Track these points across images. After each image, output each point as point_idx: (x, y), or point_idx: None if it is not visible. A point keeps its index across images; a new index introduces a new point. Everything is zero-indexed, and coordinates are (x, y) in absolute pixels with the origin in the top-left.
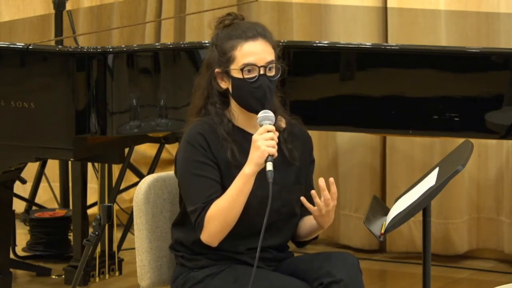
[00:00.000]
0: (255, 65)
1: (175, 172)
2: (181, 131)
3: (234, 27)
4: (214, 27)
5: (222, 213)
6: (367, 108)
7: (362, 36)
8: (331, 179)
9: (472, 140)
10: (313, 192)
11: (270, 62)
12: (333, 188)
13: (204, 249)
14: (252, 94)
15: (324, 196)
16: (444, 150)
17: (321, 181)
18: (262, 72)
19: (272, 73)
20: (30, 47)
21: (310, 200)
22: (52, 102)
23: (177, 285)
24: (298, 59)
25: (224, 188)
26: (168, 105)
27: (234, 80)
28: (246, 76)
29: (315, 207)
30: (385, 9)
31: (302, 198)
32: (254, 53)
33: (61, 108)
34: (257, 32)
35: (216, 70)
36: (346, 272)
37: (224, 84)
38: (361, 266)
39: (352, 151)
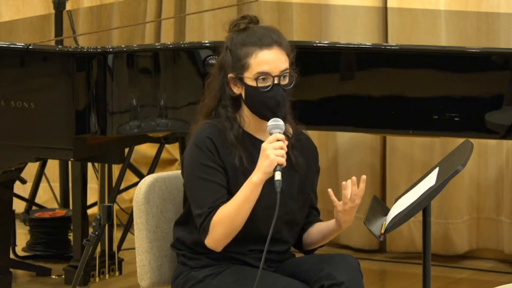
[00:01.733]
0: (269, 74)
1: (182, 173)
2: (189, 131)
3: (250, 33)
4: (228, 30)
5: (228, 219)
6: (367, 108)
7: (362, 36)
8: (364, 177)
9: (472, 140)
10: (329, 190)
11: (284, 71)
12: (362, 185)
13: (205, 249)
14: (265, 103)
15: (353, 191)
16: (444, 150)
17: (354, 178)
18: (276, 81)
19: (286, 81)
20: (30, 47)
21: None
22: (52, 102)
23: (177, 284)
24: (298, 59)
25: (230, 192)
26: (168, 105)
27: (248, 88)
28: (260, 85)
29: (340, 202)
30: (385, 9)
31: (329, 190)
32: (269, 62)
33: (61, 108)
34: (272, 39)
35: (230, 75)
36: (347, 275)
37: (237, 90)
38: (361, 267)
39: (352, 151)
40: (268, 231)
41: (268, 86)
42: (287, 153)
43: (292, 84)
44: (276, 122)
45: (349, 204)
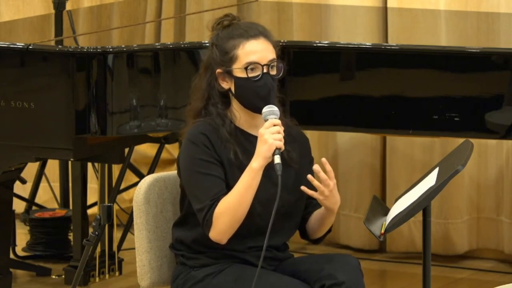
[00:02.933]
0: (258, 63)
1: (178, 173)
2: (181, 132)
3: (235, 27)
4: (212, 29)
5: (231, 210)
6: (367, 108)
7: (362, 36)
8: (323, 159)
9: (472, 140)
10: (309, 176)
11: (272, 61)
12: (328, 167)
13: (204, 248)
14: (256, 93)
15: (321, 177)
16: (444, 150)
17: (316, 166)
18: (265, 70)
19: (274, 71)
20: (30, 47)
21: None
22: (52, 102)
23: (177, 285)
24: (298, 59)
25: (227, 187)
26: (168, 105)
27: (237, 80)
28: (250, 75)
29: (317, 192)
30: (385, 9)
31: (303, 187)
32: (256, 52)
33: (61, 108)
34: (258, 31)
35: (218, 70)
36: (348, 275)
37: (226, 85)
38: (361, 267)
39: (352, 151)
40: (267, 226)
41: (258, 75)
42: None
43: (281, 74)
44: (271, 109)
45: (325, 190)
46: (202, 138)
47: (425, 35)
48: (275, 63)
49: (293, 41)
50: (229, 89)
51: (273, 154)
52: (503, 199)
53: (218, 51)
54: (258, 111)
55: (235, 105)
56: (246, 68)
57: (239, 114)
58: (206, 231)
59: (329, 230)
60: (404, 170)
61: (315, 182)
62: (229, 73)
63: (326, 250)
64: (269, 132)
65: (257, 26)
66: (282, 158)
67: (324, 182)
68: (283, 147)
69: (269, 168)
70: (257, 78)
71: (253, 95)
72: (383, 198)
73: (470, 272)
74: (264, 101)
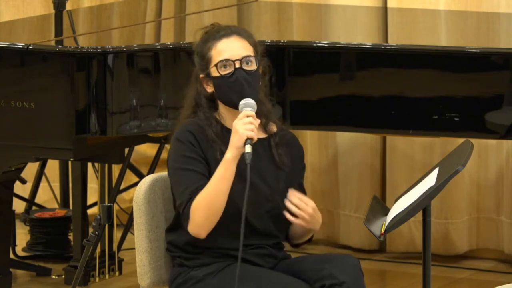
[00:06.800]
0: (229, 60)
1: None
2: (170, 135)
3: (210, 32)
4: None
5: (207, 201)
6: (367, 108)
7: (362, 36)
8: (290, 192)
9: (472, 140)
10: (287, 203)
11: (246, 56)
12: (294, 197)
13: (198, 249)
14: (231, 89)
15: (297, 212)
16: (444, 150)
17: (287, 202)
18: (237, 65)
19: (251, 67)
20: (30, 47)
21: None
22: (52, 102)
23: (176, 285)
24: (298, 59)
25: None
26: (168, 105)
27: (214, 80)
28: (222, 73)
29: (298, 220)
30: (385, 9)
31: (287, 216)
32: (228, 50)
33: (61, 108)
34: (231, 30)
35: (200, 76)
36: (348, 274)
37: (209, 88)
38: (361, 267)
39: (352, 151)
40: (258, 224)
41: (231, 72)
42: (270, 151)
43: (257, 68)
44: (246, 101)
45: (306, 217)
46: (188, 135)
47: (425, 35)
48: (252, 59)
49: (293, 41)
50: (213, 92)
51: (244, 144)
52: (503, 199)
53: (198, 58)
54: (236, 106)
55: (221, 107)
56: (216, 66)
57: (225, 115)
58: (185, 225)
59: (309, 240)
60: (404, 170)
61: (294, 209)
62: (208, 76)
63: (326, 250)
64: (241, 122)
65: (231, 27)
66: (274, 161)
67: (303, 211)
68: (255, 138)
69: (261, 169)
70: (230, 74)
71: (228, 91)
72: (383, 198)
73: (470, 272)
74: (239, 96)
